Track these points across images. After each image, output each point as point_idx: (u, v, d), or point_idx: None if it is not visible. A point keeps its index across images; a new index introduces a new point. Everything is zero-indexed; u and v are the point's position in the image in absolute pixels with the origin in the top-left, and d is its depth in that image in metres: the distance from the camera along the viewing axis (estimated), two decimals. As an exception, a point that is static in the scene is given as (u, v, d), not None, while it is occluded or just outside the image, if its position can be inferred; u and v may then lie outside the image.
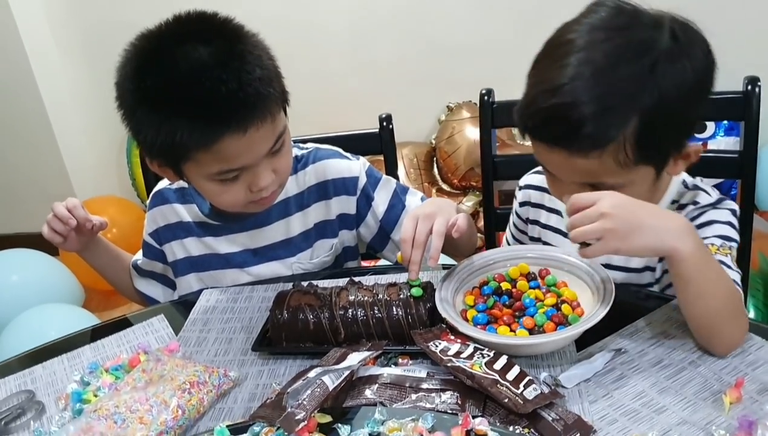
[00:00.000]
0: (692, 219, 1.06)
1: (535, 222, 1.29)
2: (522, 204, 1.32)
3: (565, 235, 1.20)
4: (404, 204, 1.34)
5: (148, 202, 1.39)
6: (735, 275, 0.98)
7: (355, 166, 1.34)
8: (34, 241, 2.97)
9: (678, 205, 1.12)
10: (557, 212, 1.24)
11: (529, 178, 1.32)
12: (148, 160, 1.19)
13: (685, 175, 1.15)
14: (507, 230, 1.40)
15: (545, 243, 1.26)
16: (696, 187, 1.12)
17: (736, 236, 1.05)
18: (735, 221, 1.07)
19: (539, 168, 1.28)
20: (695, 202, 1.10)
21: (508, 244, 1.39)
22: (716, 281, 0.91)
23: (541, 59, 1.03)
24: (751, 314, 1.99)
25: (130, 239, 1.50)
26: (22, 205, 3.35)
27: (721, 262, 0.98)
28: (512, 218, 1.37)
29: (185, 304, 1.26)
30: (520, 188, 1.33)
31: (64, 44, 3.17)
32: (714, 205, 1.08)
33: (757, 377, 0.88)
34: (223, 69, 1.05)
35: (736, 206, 1.10)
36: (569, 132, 0.97)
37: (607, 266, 1.15)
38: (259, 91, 1.07)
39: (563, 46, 0.99)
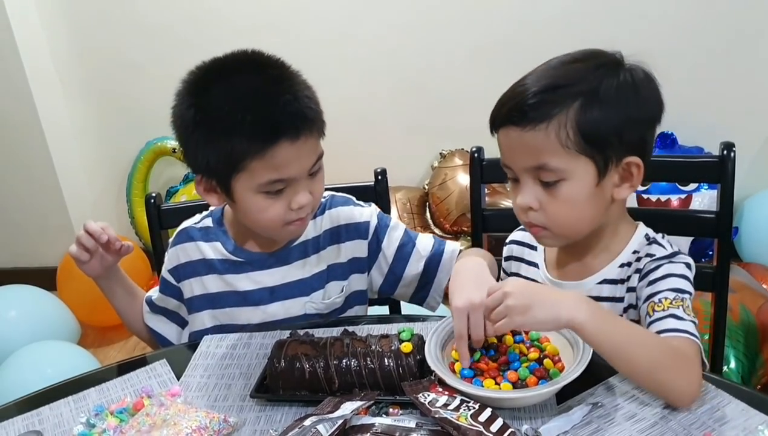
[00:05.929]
0: (648, 272, 1.12)
1: (517, 275, 1.34)
2: (506, 259, 1.38)
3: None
4: (414, 243, 1.43)
5: (171, 239, 1.45)
6: (687, 325, 1.03)
7: (366, 212, 1.44)
8: (31, 276, 3.04)
9: (637, 257, 1.17)
10: (535, 265, 1.30)
11: (514, 235, 1.38)
12: (197, 180, 1.27)
13: (648, 230, 1.21)
14: None
15: None
16: (654, 241, 1.18)
17: (690, 288, 1.10)
18: (689, 274, 1.12)
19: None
20: (650, 255, 1.15)
21: None
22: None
23: None
24: (732, 365, 2.04)
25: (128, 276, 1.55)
26: (21, 241, 3.38)
27: (673, 315, 1.03)
28: (501, 272, 1.42)
29: (187, 348, 1.32)
30: (506, 244, 1.39)
31: (67, 82, 3.22)
32: (669, 259, 1.13)
33: (724, 432, 0.93)
34: (278, 87, 1.20)
35: (690, 260, 1.14)
36: (518, 106, 1.09)
37: None
38: (310, 106, 1.24)
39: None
